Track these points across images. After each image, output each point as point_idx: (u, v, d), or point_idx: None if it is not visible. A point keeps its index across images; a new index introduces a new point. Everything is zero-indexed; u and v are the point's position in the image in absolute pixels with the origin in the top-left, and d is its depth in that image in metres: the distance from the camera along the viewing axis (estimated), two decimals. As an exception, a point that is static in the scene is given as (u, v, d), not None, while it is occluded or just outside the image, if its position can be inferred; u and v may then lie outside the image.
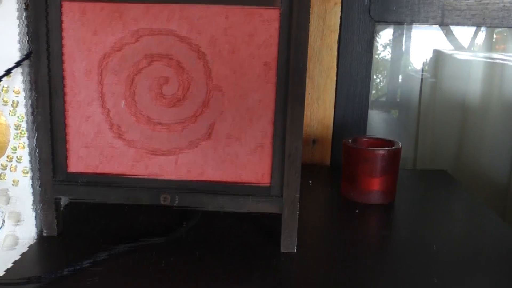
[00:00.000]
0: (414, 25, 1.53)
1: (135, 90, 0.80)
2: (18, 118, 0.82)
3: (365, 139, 1.07)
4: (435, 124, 1.39)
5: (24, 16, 0.80)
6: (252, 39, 0.76)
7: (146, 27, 0.78)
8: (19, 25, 0.80)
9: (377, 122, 1.44)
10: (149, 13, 0.78)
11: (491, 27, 1.17)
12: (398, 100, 1.58)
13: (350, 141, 1.03)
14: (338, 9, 1.16)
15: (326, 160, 1.23)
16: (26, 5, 0.80)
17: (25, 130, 0.82)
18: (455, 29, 1.53)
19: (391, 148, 0.97)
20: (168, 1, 0.77)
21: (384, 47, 1.70)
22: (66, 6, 0.79)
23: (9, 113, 0.82)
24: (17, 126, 0.82)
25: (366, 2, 1.17)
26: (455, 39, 1.56)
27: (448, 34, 1.57)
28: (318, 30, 1.17)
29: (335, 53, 1.18)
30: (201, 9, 0.76)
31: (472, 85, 1.35)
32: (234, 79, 0.78)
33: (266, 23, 0.76)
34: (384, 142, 1.03)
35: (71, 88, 0.81)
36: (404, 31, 1.64)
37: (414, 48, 1.66)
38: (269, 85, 0.77)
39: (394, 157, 0.97)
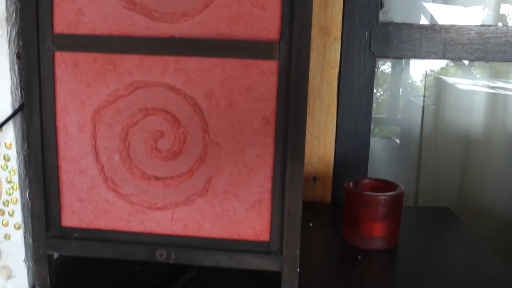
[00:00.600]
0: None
1: (129, 143, 0.77)
2: (10, 172, 0.80)
3: (366, 181, 1.04)
4: (437, 157, 1.37)
5: (16, 67, 0.78)
6: (250, 93, 0.74)
7: (141, 80, 0.76)
8: (11, 77, 0.77)
9: (377, 150, 1.42)
10: (144, 65, 0.75)
11: (493, 61, 1.15)
12: (399, 127, 1.56)
13: (351, 184, 1.00)
14: (338, 44, 1.14)
15: (326, 198, 1.20)
16: (18, 56, 0.78)
17: (17, 184, 0.80)
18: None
19: (394, 192, 0.94)
20: (163, 52, 0.75)
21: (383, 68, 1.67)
22: (58, 57, 0.77)
23: (0, 167, 0.79)
24: (9, 180, 0.80)
25: (366, 37, 1.14)
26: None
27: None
28: (318, 66, 1.15)
29: (335, 89, 1.16)
30: (197, 61, 0.74)
31: (475, 117, 1.33)
32: (231, 134, 0.75)
33: (264, 76, 0.73)
34: (386, 184, 1.01)
35: (64, 142, 0.79)
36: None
37: (414, 70, 1.64)
38: (267, 140, 0.75)
39: (396, 202, 0.95)
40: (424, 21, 1.54)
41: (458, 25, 1.13)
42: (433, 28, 1.14)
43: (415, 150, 1.44)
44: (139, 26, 0.75)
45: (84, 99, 0.78)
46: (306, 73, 0.72)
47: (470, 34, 1.14)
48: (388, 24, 1.13)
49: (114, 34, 0.76)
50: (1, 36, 0.76)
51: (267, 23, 0.73)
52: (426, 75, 1.47)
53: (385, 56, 1.13)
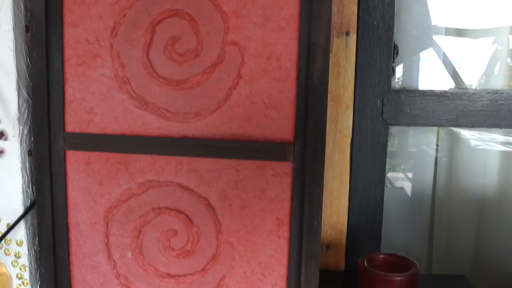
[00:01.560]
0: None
1: (142, 241, 0.76)
2: (20, 268, 0.79)
3: (381, 256, 1.03)
4: (451, 219, 1.35)
5: (27, 164, 0.77)
6: (263, 194, 0.73)
7: (153, 179, 0.75)
8: (23, 176, 0.77)
9: (389, 204, 1.40)
10: (156, 165, 0.74)
11: (507, 128, 1.13)
12: (411, 176, 1.54)
13: (365, 262, 0.98)
14: (350, 113, 1.13)
15: (340, 266, 1.19)
16: (30, 153, 0.77)
17: (28, 280, 0.79)
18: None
19: (409, 273, 0.93)
20: (176, 153, 0.74)
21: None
22: (70, 156, 0.76)
23: (11, 264, 0.78)
24: (20, 277, 0.79)
25: (378, 105, 1.13)
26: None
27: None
28: (330, 135, 1.13)
29: (348, 158, 1.14)
30: (210, 162, 0.73)
31: (489, 177, 1.31)
32: (245, 234, 0.74)
33: (279, 177, 0.72)
34: (401, 261, 0.99)
35: (76, 239, 0.78)
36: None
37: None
38: (281, 240, 0.73)
39: (412, 282, 0.93)
40: (435, 55, 1.52)
41: (471, 92, 1.12)
42: (446, 95, 1.12)
43: (427, 204, 1.42)
44: (151, 125, 0.74)
45: (96, 198, 0.77)
46: (321, 175, 0.71)
47: (483, 101, 1.12)
48: (400, 92, 1.11)
49: (126, 134, 0.75)
50: (13, 136, 0.75)
51: (281, 124, 0.72)
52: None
53: (398, 124, 1.11)
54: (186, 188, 0.74)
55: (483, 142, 1.36)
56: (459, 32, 1.47)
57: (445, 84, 1.41)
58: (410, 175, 1.55)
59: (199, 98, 0.72)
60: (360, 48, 1.13)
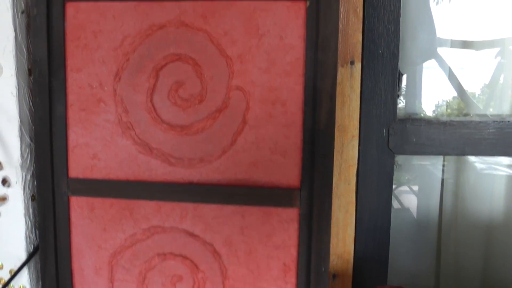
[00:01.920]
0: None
1: (147, 286, 0.75)
2: (25, 314, 0.78)
3: (388, 290, 1.01)
4: (458, 245, 1.33)
5: (31, 210, 0.76)
6: (270, 239, 0.72)
7: (158, 225, 0.74)
8: (26, 221, 0.76)
9: (395, 227, 1.38)
10: (161, 211, 0.73)
11: (516, 155, 1.11)
12: (416, 189, 1.53)
13: (373, 297, 0.97)
14: (355, 142, 1.11)
15: (346, 296, 1.17)
16: (33, 198, 0.76)
17: (33, 326, 0.78)
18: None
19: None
20: (181, 199, 0.73)
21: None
22: (73, 202, 0.75)
23: (15, 310, 0.78)
24: (25, 323, 0.78)
25: (384, 134, 1.11)
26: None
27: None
28: (335, 165, 1.12)
29: (354, 187, 1.13)
30: (215, 208, 0.72)
31: (496, 202, 1.30)
32: (251, 279, 0.73)
33: (285, 223, 0.71)
34: (409, 295, 0.97)
35: (80, 284, 0.77)
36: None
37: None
38: (288, 286, 0.72)
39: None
40: (438, 68, 1.51)
41: (477, 120, 1.10)
42: (452, 123, 1.11)
43: (433, 229, 1.41)
44: (156, 171, 0.73)
45: (100, 243, 0.76)
46: (328, 222, 0.70)
47: (489, 129, 1.11)
48: (406, 121, 1.10)
49: (131, 180, 0.74)
50: (16, 182, 0.74)
51: (287, 170, 0.70)
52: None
53: (404, 153, 1.10)
54: (191, 234, 0.73)
55: (489, 166, 1.35)
56: (463, 44, 1.46)
57: (448, 93, 1.40)
58: (415, 188, 1.54)
59: (204, 143, 0.71)
60: (365, 77, 1.12)
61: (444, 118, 1.17)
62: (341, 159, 1.11)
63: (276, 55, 0.70)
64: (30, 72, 0.76)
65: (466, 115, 1.39)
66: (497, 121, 1.08)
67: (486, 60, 1.50)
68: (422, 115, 1.21)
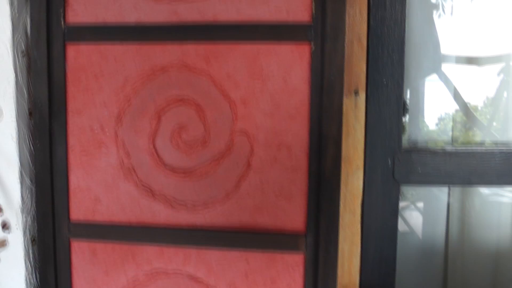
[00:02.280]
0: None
1: (150, 332, 0.74)
2: None
3: (394, 325, 1.00)
4: (465, 273, 1.32)
5: (31, 253, 0.75)
6: (274, 285, 0.70)
7: (161, 269, 0.72)
8: (26, 265, 0.75)
9: (399, 251, 1.36)
10: (164, 255, 0.72)
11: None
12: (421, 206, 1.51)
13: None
14: (360, 173, 1.10)
15: (351, 327, 1.16)
16: (33, 242, 0.75)
17: None
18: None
19: None
20: (184, 243, 0.71)
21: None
22: (75, 245, 0.74)
23: None
24: None
25: (389, 164, 1.10)
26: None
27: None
28: (340, 196, 1.10)
29: (359, 218, 1.11)
30: (219, 253, 0.70)
31: (503, 229, 1.28)
32: (256, 326, 0.71)
33: (290, 268, 0.70)
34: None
35: (82, 329, 0.75)
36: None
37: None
38: (294, 332, 0.71)
39: None
40: (440, 82, 1.49)
41: (482, 151, 1.09)
42: (457, 154, 1.10)
43: (440, 256, 1.39)
44: (159, 215, 0.72)
45: (102, 287, 0.74)
46: (334, 268, 0.69)
47: (495, 159, 1.09)
48: (411, 151, 1.09)
49: (133, 223, 0.73)
50: (16, 227, 0.73)
51: (292, 215, 0.69)
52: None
53: (409, 183, 1.08)
54: (195, 278, 0.72)
55: (495, 192, 1.33)
56: (466, 60, 1.45)
57: (451, 108, 1.38)
58: (420, 205, 1.52)
59: (207, 187, 0.70)
60: (370, 107, 1.10)
61: (450, 148, 1.15)
62: (346, 190, 1.09)
63: (280, 99, 0.69)
64: (30, 114, 0.75)
65: (468, 143, 1.37)
66: (503, 151, 1.07)
67: (489, 76, 1.49)
68: (427, 143, 1.19)
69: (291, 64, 0.69)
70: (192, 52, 0.71)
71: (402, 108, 1.13)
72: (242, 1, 0.70)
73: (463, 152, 1.09)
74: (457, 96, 1.38)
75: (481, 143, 1.11)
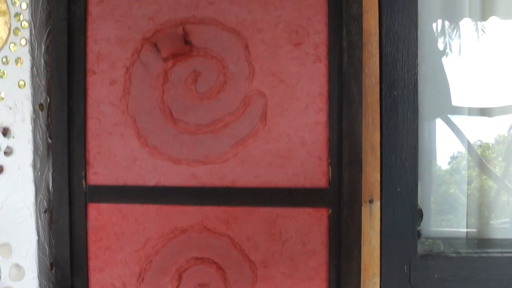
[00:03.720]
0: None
1: None
2: None
3: None
4: None
5: None
6: None
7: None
8: None
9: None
10: None
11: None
12: None
13: None
14: (377, 280, 1.10)
15: None
16: None
17: None
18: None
19: None
20: None
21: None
22: None
23: None
24: None
25: (405, 271, 1.10)
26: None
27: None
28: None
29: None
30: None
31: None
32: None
33: None
34: None
35: None
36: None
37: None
38: None
39: None
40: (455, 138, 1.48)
41: (499, 255, 1.09)
42: (473, 258, 1.10)
43: None
44: None
45: None
46: None
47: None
48: (427, 257, 1.09)
49: None
50: None
51: None
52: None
53: (425, 290, 1.08)
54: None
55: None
56: (477, 111, 1.44)
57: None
58: None
59: None
60: (384, 215, 1.11)
61: (465, 252, 1.15)
62: (363, 293, 1.09)
63: (299, 261, 0.70)
64: (51, 266, 0.77)
65: (482, 246, 1.37)
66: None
67: (500, 128, 1.48)
68: (441, 248, 1.19)
69: (309, 227, 0.70)
70: (212, 215, 0.72)
71: (417, 215, 1.13)
72: (260, 166, 0.71)
73: (479, 257, 1.09)
74: (472, 151, 1.34)
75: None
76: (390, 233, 1.07)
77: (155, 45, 0.73)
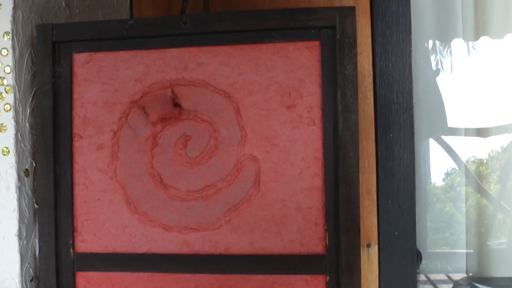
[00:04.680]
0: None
1: None
2: None
3: None
4: None
5: None
6: None
7: None
8: None
9: None
10: None
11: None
12: None
13: None
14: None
15: None
16: None
17: None
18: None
19: None
20: None
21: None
22: None
23: None
24: None
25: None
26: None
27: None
28: None
29: None
30: None
31: None
32: None
33: None
34: None
35: None
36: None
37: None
38: None
39: None
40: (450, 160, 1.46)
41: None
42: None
43: None
44: None
45: None
46: None
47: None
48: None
49: None
50: None
51: None
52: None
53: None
54: None
55: None
56: (472, 132, 1.42)
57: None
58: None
59: None
60: (383, 259, 1.09)
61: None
62: None
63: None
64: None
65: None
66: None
67: (494, 148, 1.46)
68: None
69: (307, 293, 0.67)
70: (205, 283, 0.70)
71: (416, 258, 1.11)
72: (255, 233, 0.69)
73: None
74: (469, 173, 1.33)
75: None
76: (388, 277, 1.05)
77: (143, 109, 0.71)
